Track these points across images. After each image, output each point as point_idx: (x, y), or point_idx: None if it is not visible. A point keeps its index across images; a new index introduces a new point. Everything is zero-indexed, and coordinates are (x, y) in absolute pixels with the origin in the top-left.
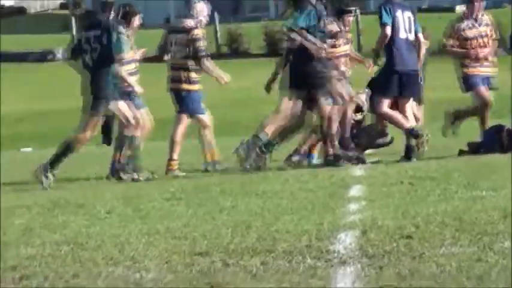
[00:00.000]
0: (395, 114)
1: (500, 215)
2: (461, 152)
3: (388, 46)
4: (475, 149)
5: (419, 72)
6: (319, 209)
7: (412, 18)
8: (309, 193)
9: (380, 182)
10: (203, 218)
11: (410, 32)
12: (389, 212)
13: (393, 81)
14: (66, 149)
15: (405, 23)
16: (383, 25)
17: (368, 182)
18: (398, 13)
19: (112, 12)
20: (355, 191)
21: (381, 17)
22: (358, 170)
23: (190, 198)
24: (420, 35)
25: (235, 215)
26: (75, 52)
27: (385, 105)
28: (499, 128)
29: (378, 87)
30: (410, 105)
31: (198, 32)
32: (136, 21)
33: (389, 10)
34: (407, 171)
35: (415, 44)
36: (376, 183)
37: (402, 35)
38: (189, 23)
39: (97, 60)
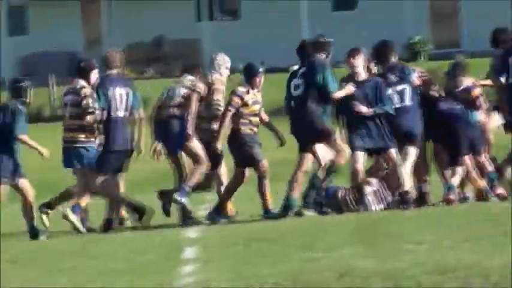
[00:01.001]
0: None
1: (334, 276)
2: None
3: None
4: None
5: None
6: (154, 270)
7: (127, 95)
8: (144, 255)
9: (215, 243)
10: (41, 280)
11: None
12: (223, 273)
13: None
14: None
15: (121, 100)
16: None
17: (203, 243)
18: (111, 91)
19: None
20: (189, 252)
21: (99, 97)
22: (193, 232)
23: (29, 259)
24: (140, 111)
25: (74, 277)
26: None
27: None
28: None
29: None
30: None
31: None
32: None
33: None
34: (242, 232)
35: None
36: (211, 245)
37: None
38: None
39: None
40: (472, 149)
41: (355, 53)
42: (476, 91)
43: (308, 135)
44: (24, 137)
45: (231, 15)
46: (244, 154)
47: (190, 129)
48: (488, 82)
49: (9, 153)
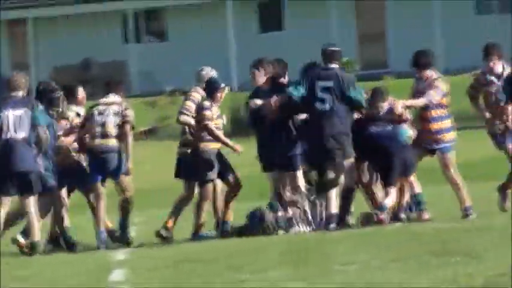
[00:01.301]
0: None
1: None
2: None
3: None
4: None
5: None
6: None
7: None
8: (72, 278)
9: (143, 265)
10: None
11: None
12: None
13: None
14: None
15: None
16: None
17: (131, 266)
18: (4, 113)
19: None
20: (118, 275)
21: None
22: (120, 254)
23: None
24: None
25: None
26: None
27: None
28: None
29: None
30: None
31: None
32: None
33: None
34: (170, 254)
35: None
36: (140, 267)
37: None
38: None
39: None
40: (404, 170)
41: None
42: (399, 108)
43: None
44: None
45: (158, 37)
46: (197, 170)
47: (131, 163)
48: (414, 103)
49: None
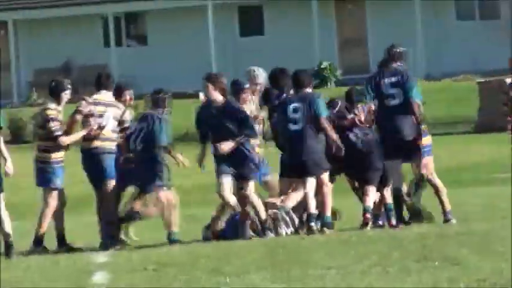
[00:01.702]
0: None
1: None
2: None
3: None
4: None
5: None
6: None
7: None
8: (51, 281)
9: (124, 268)
10: None
11: None
12: None
13: None
14: None
15: None
16: None
17: (111, 269)
18: None
19: None
20: (98, 277)
21: None
22: (101, 257)
23: None
24: None
25: None
26: None
27: None
28: None
29: None
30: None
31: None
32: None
33: None
34: (151, 257)
35: None
36: (120, 270)
37: None
38: None
39: None
40: (381, 178)
41: None
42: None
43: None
44: (169, 145)
45: (138, 41)
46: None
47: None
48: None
49: (153, 162)
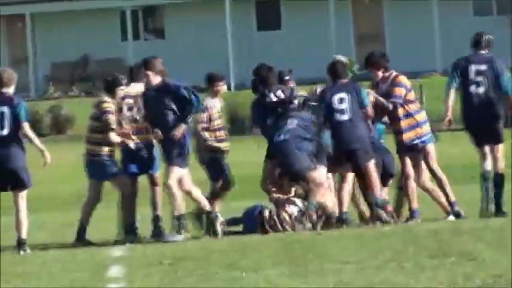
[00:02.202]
0: None
1: None
2: None
3: None
4: None
5: None
6: None
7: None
8: (68, 274)
9: (139, 262)
10: None
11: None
12: None
13: None
14: None
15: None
16: None
17: (127, 263)
18: None
19: None
20: (114, 271)
21: None
22: (118, 251)
23: None
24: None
25: None
26: None
27: None
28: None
29: None
30: None
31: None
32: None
33: None
34: (166, 251)
35: None
36: (136, 264)
37: None
38: None
39: None
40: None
41: None
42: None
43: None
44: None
45: (156, 35)
46: None
47: None
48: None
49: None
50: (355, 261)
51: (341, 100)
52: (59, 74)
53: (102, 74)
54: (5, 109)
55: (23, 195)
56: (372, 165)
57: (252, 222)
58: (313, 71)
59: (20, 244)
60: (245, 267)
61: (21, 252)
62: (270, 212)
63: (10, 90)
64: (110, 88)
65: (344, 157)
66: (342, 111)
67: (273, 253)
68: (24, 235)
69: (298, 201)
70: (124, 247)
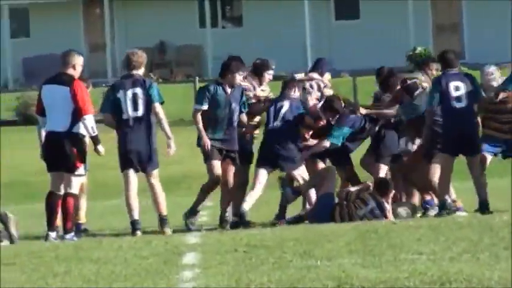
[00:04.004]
0: None
1: (334, 284)
2: None
3: None
4: None
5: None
6: (153, 276)
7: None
8: (143, 260)
9: (214, 249)
10: (36, 283)
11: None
12: (223, 280)
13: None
14: None
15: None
16: None
17: (202, 249)
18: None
19: None
20: (189, 258)
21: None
22: (193, 238)
23: (24, 263)
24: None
25: (69, 281)
26: None
27: None
28: None
29: None
30: None
31: None
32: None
33: None
34: (241, 239)
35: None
36: (211, 251)
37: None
38: None
39: None
40: None
41: None
42: None
43: None
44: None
45: (234, 23)
46: None
47: None
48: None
49: None
50: (430, 251)
51: (457, 88)
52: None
53: (179, 60)
54: (138, 90)
55: (155, 175)
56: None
57: (325, 212)
58: (391, 61)
59: (162, 221)
60: (319, 256)
61: (167, 230)
62: (342, 205)
63: (140, 72)
64: (258, 71)
65: (461, 145)
66: (458, 99)
67: (347, 242)
68: (164, 212)
69: (370, 198)
70: (199, 234)
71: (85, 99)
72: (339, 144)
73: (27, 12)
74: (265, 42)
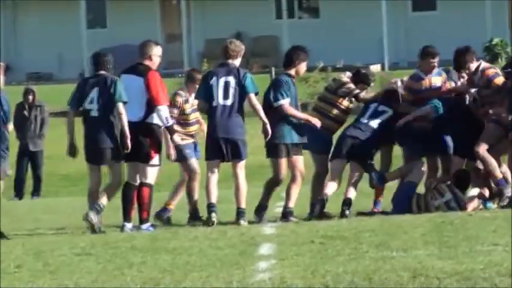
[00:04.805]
0: None
1: (409, 275)
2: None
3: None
4: None
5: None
6: (228, 266)
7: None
8: (218, 250)
9: (290, 240)
10: (112, 273)
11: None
12: (299, 270)
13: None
14: None
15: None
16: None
17: (278, 241)
18: (214, 81)
19: None
20: (265, 249)
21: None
22: (269, 228)
23: (100, 253)
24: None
25: (145, 271)
26: None
27: None
28: None
29: None
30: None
31: None
32: None
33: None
34: (318, 230)
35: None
36: (287, 242)
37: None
38: None
39: None
40: None
41: None
42: None
43: None
44: None
45: (310, 14)
46: None
47: None
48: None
49: None
50: (505, 243)
51: None
52: (212, 51)
53: (255, 51)
54: (231, 79)
55: (241, 165)
56: None
57: (404, 201)
58: None
59: (239, 213)
60: (395, 247)
61: (242, 222)
62: (420, 195)
63: (236, 62)
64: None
65: None
66: None
67: (423, 233)
68: (242, 204)
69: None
70: (275, 225)
71: (159, 89)
72: (440, 107)
73: (103, 3)
74: (341, 33)
